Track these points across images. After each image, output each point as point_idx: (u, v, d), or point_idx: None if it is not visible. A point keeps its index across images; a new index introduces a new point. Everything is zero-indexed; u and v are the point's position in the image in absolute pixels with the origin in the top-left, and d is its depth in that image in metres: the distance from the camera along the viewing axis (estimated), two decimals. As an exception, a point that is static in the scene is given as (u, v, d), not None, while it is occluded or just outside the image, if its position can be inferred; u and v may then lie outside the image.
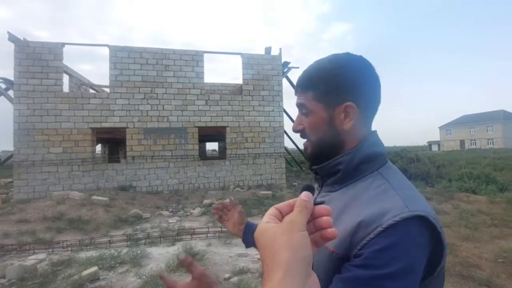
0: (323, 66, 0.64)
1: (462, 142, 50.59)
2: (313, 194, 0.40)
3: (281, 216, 0.39)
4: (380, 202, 0.53)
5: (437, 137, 58.29)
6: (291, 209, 0.39)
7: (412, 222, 0.49)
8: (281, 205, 0.40)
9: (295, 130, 0.70)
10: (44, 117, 9.14)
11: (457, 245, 4.23)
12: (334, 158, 0.64)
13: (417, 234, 0.49)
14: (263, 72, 11.10)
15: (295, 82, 0.75)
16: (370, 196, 0.56)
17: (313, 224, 0.39)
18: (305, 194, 0.39)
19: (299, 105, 0.68)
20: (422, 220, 0.50)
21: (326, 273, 0.53)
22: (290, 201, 0.40)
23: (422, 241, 0.50)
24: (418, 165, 11.52)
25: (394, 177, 0.60)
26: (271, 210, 0.39)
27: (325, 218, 0.38)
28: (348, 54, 0.66)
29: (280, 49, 11.47)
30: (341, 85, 0.62)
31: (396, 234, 0.48)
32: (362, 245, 0.49)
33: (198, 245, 4.55)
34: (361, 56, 0.66)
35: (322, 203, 0.40)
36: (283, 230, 0.36)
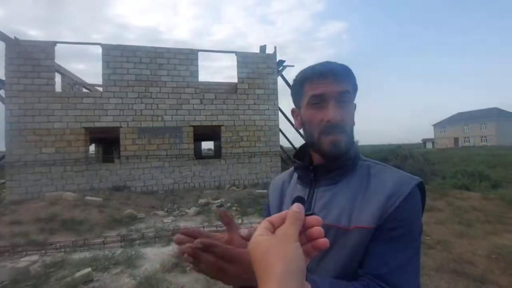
0: (347, 67, 0.71)
1: (456, 140, 51.21)
2: (303, 206, 0.41)
3: (274, 228, 0.39)
4: (392, 178, 0.67)
5: (431, 135, 58.93)
6: (283, 221, 0.39)
7: (417, 188, 0.66)
8: (273, 217, 0.41)
9: (334, 121, 0.66)
10: (36, 117, 9.00)
11: (451, 241, 4.26)
12: (351, 150, 0.71)
13: (420, 196, 0.67)
14: (258, 70, 11.07)
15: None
16: (381, 177, 0.68)
17: (304, 235, 0.40)
18: (296, 206, 0.40)
19: (343, 93, 0.68)
20: (421, 184, 0.67)
21: (356, 248, 0.62)
22: (282, 213, 0.41)
23: (421, 201, 0.67)
24: (412, 162, 11.62)
25: (376, 161, 0.75)
26: (264, 223, 0.40)
27: (316, 228, 0.39)
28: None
29: (275, 47, 11.45)
30: (356, 86, 0.73)
31: (414, 199, 0.64)
32: (390, 212, 0.62)
33: (194, 245, 4.52)
34: None
35: (313, 214, 0.41)
36: (276, 243, 0.37)
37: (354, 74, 0.71)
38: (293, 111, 0.79)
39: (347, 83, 0.69)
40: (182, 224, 6.12)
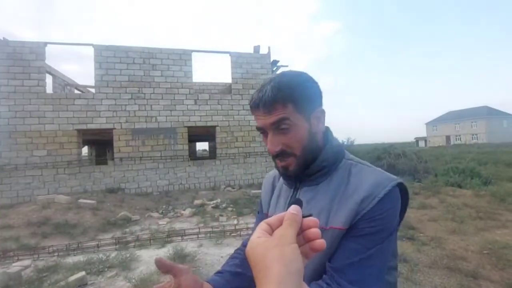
0: (294, 81, 0.68)
1: (447, 138, 51.95)
2: (301, 208, 0.41)
3: (272, 230, 0.40)
4: (370, 179, 0.66)
5: (424, 133, 59.68)
6: (280, 223, 0.40)
7: (395, 188, 0.66)
8: (271, 219, 0.41)
9: (275, 152, 0.69)
10: (27, 119, 8.84)
11: (444, 238, 4.33)
12: (319, 158, 0.72)
13: (399, 196, 0.67)
14: (252, 71, 11.07)
15: None
16: (359, 177, 0.68)
17: (302, 236, 0.40)
18: (294, 208, 0.40)
19: (277, 122, 0.66)
20: (401, 185, 0.67)
21: (329, 248, 0.64)
22: (280, 215, 0.41)
23: (399, 202, 0.67)
24: (405, 160, 11.76)
25: (360, 160, 0.75)
26: (262, 225, 0.41)
27: (313, 230, 0.40)
28: (298, 70, 0.74)
29: (269, 47, 11.47)
30: (312, 94, 0.71)
31: (389, 200, 0.64)
32: (363, 214, 0.63)
33: (189, 246, 4.50)
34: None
35: (310, 215, 0.42)
36: (274, 245, 0.37)
37: (297, 88, 0.67)
38: None
39: (280, 110, 0.66)
40: (178, 225, 6.08)
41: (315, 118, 0.71)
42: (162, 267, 0.63)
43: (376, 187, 0.64)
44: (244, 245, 0.90)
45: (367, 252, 0.61)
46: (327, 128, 0.77)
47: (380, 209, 0.62)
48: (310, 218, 0.41)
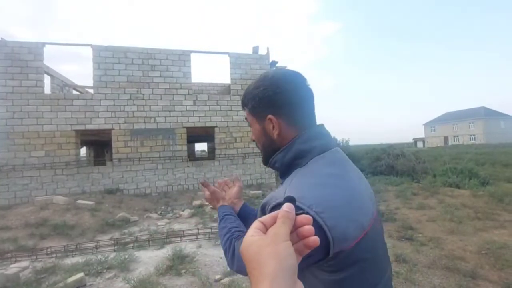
0: (250, 85, 0.78)
1: (445, 139, 52.15)
2: (294, 206, 0.42)
3: (265, 228, 0.40)
4: (280, 189, 0.66)
5: (422, 134, 59.89)
6: (274, 221, 0.40)
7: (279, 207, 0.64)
8: (265, 218, 0.42)
9: (252, 140, 0.83)
10: (25, 119, 8.81)
11: (443, 238, 4.35)
12: (272, 157, 0.76)
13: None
14: (251, 71, 11.08)
15: None
16: (281, 186, 0.70)
17: (296, 233, 0.41)
18: (287, 206, 0.41)
19: (246, 119, 0.83)
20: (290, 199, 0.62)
21: None
22: (273, 213, 0.41)
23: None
24: (404, 161, 11.79)
25: (309, 167, 0.67)
26: (255, 224, 0.41)
27: (307, 227, 0.40)
28: (270, 71, 0.77)
29: (268, 48, 11.49)
30: (261, 101, 0.74)
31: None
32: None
33: (188, 247, 4.49)
34: (284, 71, 0.77)
35: (303, 213, 0.43)
36: (268, 242, 0.37)
37: (249, 93, 0.77)
38: None
39: (245, 109, 0.81)
40: (176, 226, 6.07)
41: (269, 124, 0.74)
42: (205, 183, 0.87)
43: (272, 198, 0.64)
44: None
45: None
46: (306, 130, 0.73)
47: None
48: (304, 215, 0.42)
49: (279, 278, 0.34)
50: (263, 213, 0.64)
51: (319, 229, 0.52)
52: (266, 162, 0.81)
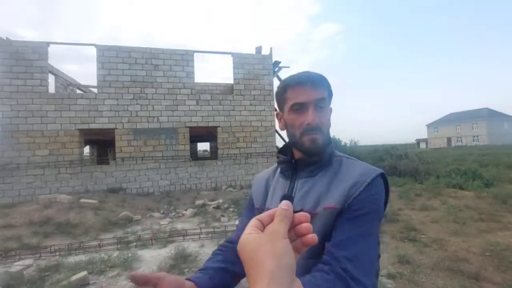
0: (323, 76, 0.82)
1: (448, 140, 51.81)
2: (292, 203, 0.42)
3: (263, 226, 0.40)
4: (358, 169, 0.77)
5: (425, 135, 59.54)
6: (272, 219, 0.40)
7: (379, 177, 0.75)
8: (262, 215, 0.41)
9: (314, 123, 0.78)
10: (29, 118, 8.88)
11: (446, 240, 4.32)
12: (329, 146, 0.83)
13: (382, 184, 0.76)
14: (254, 71, 11.09)
15: None
16: (350, 168, 0.79)
17: (294, 231, 0.41)
18: (285, 203, 0.41)
19: (320, 99, 0.79)
20: (383, 175, 0.77)
21: (324, 226, 0.71)
22: (271, 211, 0.41)
23: (383, 189, 0.76)
24: (406, 162, 11.73)
25: (348, 155, 0.85)
26: (253, 221, 0.41)
27: (305, 225, 0.40)
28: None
29: (271, 48, 11.49)
30: (331, 93, 0.83)
31: (375, 187, 0.73)
32: (355, 196, 0.71)
33: (191, 246, 4.50)
34: None
35: (301, 210, 0.43)
36: (265, 240, 0.37)
37: (329, 83, 0.82)
38: (277, 114, 0.91)
39: (322, 90, 0.79)
40: (179, 225, 6.09)
41: (330, 112, 0.84)
42: (138, 280, 0.59)
43: (363, 175, 0.74)
44: (229, 241, 0.92)
45: (360, 229, 0.69)
46: None
47: (368, 193, 0.71)
48: (301, 213, 0.41)
49: (277, 277, 0.34)
50: (350, 192, 0.72)
51: (386, 182, 0.79)
52: (323, 149, 0.82)
